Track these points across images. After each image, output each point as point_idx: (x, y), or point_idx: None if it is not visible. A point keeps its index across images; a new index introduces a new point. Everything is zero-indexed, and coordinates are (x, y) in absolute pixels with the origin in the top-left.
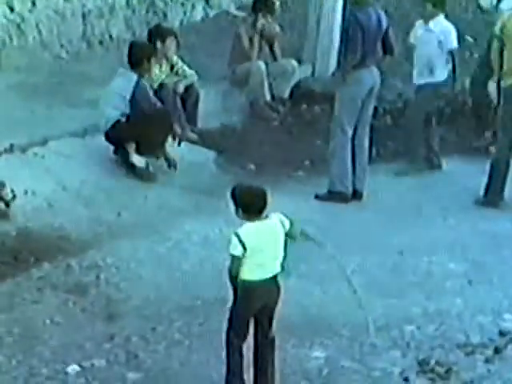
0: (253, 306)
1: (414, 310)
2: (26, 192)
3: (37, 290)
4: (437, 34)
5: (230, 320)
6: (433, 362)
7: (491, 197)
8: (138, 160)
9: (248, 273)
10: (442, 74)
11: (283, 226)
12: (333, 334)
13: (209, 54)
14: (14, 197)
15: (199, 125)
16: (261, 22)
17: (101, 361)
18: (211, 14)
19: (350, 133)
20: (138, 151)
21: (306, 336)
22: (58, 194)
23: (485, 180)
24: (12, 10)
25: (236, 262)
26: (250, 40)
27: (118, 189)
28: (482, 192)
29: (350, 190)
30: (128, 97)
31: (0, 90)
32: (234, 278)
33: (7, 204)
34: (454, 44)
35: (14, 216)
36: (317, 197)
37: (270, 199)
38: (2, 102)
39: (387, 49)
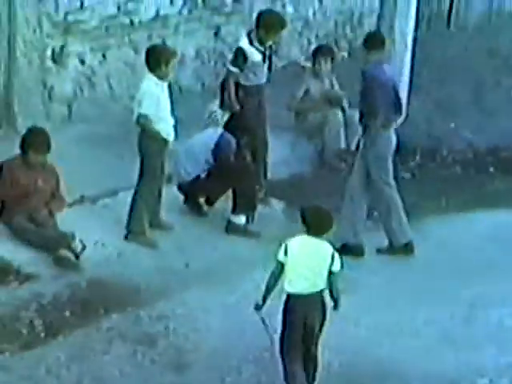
0: (296, 320)
1: (487, 363)
2: (95, 243)
3: (106, 340)
4: None
5: (282, 347)
6: None
7: None
8: (238, 218)
9: (290, 285)
10: None
11: (333, 258)
12: None
13: (275, 104)
14: (84, 248)
15: (268, 175)
16: (323, 69)
17: None
18: (279, 64)
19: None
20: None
21: None
22: (127, 245)
23: None
24: (83, 62)
25: (277, 267)
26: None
27: (187, 238)
28: None
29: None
30: (210, 151)
31: (71, 142)
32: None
33: (77, 256)
34: None
35: (84, 267)
36: (378, 251)
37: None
38: (73, 153)
39: (399, 106)
